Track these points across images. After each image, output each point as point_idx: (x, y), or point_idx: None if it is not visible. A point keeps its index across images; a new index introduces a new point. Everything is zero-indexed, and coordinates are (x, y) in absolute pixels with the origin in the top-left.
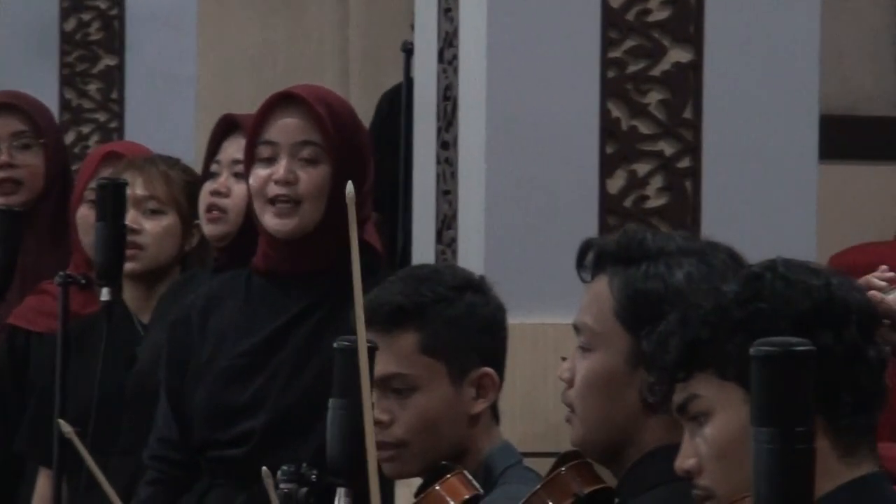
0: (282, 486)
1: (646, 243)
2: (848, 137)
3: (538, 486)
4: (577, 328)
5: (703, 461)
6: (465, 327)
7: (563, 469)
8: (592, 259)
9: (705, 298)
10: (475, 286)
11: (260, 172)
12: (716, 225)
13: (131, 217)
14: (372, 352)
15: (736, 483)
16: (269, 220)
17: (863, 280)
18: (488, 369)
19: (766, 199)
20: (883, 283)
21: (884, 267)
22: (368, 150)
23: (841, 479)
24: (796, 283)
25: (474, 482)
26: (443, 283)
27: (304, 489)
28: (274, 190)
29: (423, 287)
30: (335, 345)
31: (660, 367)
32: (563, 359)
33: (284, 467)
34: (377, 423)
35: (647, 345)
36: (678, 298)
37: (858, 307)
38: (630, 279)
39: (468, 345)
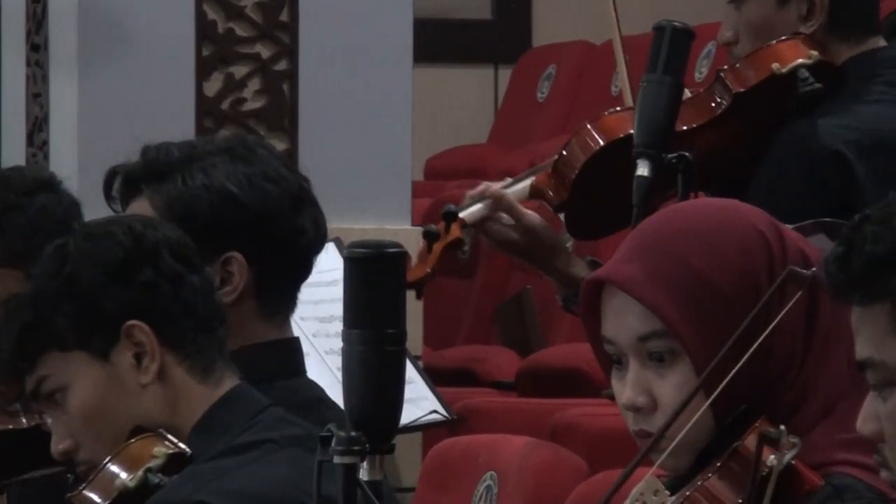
0: None
1: (171, 153)
2: (442, 40)
3: None
4: None
5: (76, 438)
6: (39, 231)
7: None
8: (121, 186)
9: (31, 287)
10: (46, 185)
11: None
12: (312, 127)
13: None
14: None
15: (109, 440)
16: None
17: (482, 186)
18: None
19: (363, 101)
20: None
21: (509, 179)
22: None
23: (208, 402)
24: (100, 237)
25: None
26: (11, 190)
27: None
28: None
29: None
30: None
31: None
32: None
33: None
34: None
35: None
36: (225, 199)
37: (167, 240)
38: (171, 194)
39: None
